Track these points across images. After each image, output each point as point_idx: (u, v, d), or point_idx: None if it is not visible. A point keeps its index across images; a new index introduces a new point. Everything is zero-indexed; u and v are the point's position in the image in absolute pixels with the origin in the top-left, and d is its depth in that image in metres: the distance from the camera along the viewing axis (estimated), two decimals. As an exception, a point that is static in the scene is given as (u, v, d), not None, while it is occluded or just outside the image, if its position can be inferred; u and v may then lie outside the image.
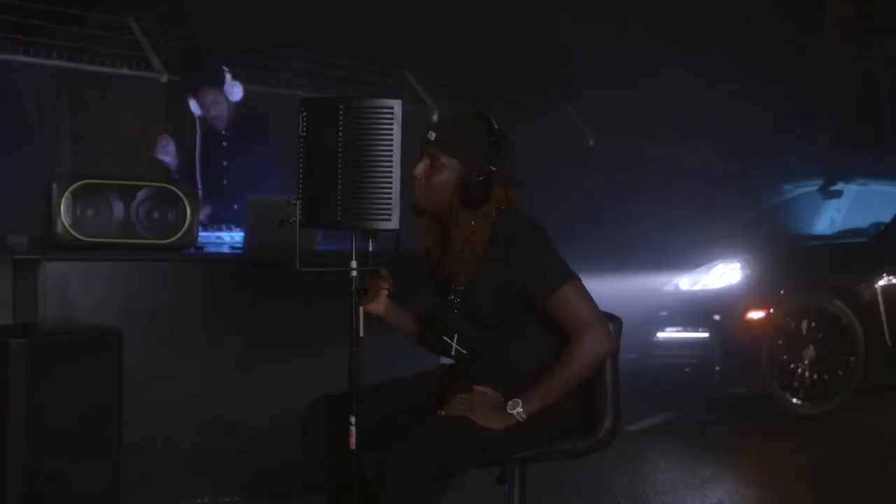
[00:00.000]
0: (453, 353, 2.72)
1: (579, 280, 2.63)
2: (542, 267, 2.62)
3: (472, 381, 2.67)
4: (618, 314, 2.88)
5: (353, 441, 2.49)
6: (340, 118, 2.41)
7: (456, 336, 2.70)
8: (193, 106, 5.32)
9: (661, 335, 5.77)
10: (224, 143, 5.32)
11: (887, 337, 5.84)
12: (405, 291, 2.68)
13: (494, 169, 2.64)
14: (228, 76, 5.31)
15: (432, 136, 2.68)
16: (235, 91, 5.34)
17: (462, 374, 2.72)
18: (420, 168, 2.68)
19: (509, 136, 2.70)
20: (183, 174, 5.25)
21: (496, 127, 2.68)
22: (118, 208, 3.72)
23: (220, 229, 4.70)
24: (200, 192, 5.16)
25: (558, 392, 2.60)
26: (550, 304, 2.60)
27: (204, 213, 5.04)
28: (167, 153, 5.21)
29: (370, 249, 2.53)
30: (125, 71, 6.56)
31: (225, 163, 5.33)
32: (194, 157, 5.34)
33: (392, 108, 2.41)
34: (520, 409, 2.57)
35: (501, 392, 2.64)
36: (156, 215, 3.76)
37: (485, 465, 2.68)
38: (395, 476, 2.41)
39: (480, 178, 2.62)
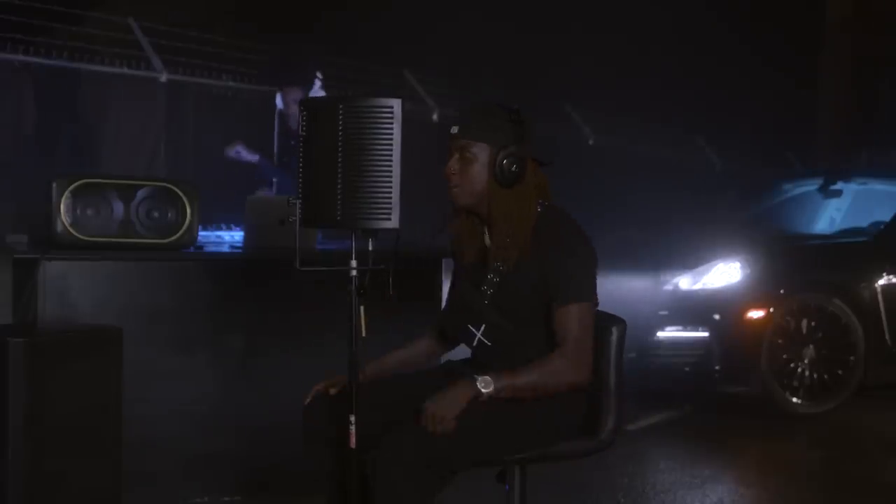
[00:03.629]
0: (475, 343, 2.71)
1: (595, 305, 2.67)
2: (575, 274, 2.64)
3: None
4: (618, 314, 2.88)
5: (353, 441, 2.49)
6: (340, 117, 2.41)
7: (483, 327, 2.70)
8: (278, 100, 5.51)
9: (661, 335, 5.76)
10: (292, 143, 5.41)
11: (887, 336, 5.83)
12: (406, 291, 2.67)
13: (522, 146, 2.66)
14: (318, 84, 5.42)
15: (455, 129, 2.68)
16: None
17: (476, 368, 2.72)
18: (452, 164, 2.68)
19: (529, 117, 2.72)
20: (264, 168, 5.44)
21: (513, 108, 2.71)
22: (118, 208, 3.72)
23: (219, 228, 4.70)
24: (275, 186, 5.31)
25: (518, 391, 2.56)
26: (559, 310, 2.61)
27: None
28: (239, 156, 5.43)
29: (370, 249, 2.52)
30: (125, 71, 6.57)
31: (285, 159, 5.47)
32: (272, 152, 5.52)
33: (392, 107, 2.41)
34: (489, 389, 2.52)
35: None
36: (155, 215, 3.76)
37: (484, 465, 2.68)
38: (390, 471, 2.41)
39: (512, 156, 2.63)
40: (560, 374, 2.59)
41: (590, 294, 2.66)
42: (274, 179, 5.33)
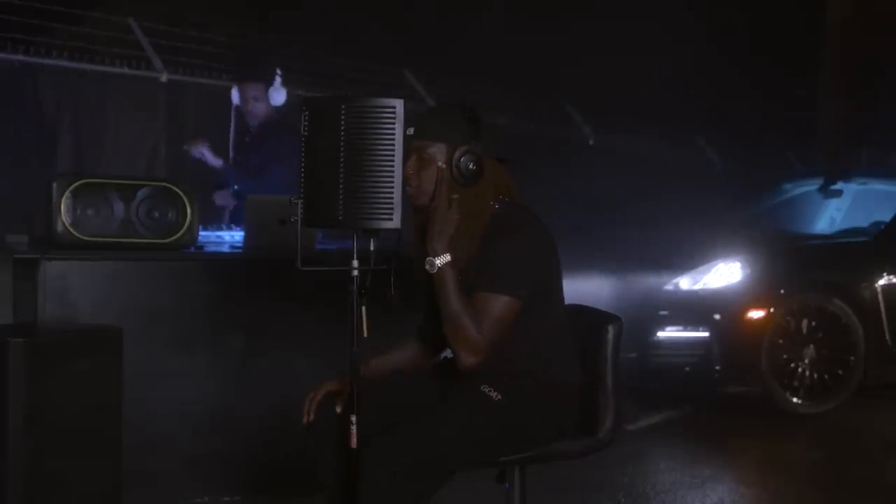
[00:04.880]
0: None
1: (513, 300, 2.60)
2: (498, 265, 2.61)
3: (471, 374, 2.66)
4: (618, 314, 2.88)
5: (353, 441, 2.49)
6: (342, 117, 2.41)
7: None
8: (234, 96, 5.30)
9: (661, 335, 5.76)
10: (247, 139, 5.31)
11: (887, 336, 5.83)
12: (408, 291, 2.67)
13: (479, 145, 2.65)
14: (278, 80, 5.28)
15: (411, 130, 2.66)
16: (279, 96, 5.27)
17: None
18: (410, 165, 2.67)
19: (482, 118, 2.72)
20: (227, 174, 5.31)
21: (468, 107, 2.70)
22: (118, 207, 3.72)
23: (220, 228, 4.70)
24: (236, 186, 5.23)
25: (444, 298, 2.58)
26: (473, 297, 2.60)
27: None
28: (203, 157, 5.26)
29: (371, 249, 2.52)
30: (125, 71, 6.56)
31: (240, 157, 5.33)
32: (228, 147, 5.36)
33: (394, 107, 2.41)
34: (436, 263, 2.57)
35: (498, 387, 2.65)
36: (156, 214, 3.76)
37: (482, 465, 2.68)
38: (376, 472, 2.41)
39: (469, 153, 2.62)
40: (464, 339, 2.57)
41: (507, 287, 2.60)
42: (235, 186, 5.21)
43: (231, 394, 3.86)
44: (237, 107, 5.31)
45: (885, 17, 10.88)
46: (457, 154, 2.62)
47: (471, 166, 2.62)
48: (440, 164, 2.63)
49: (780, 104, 10.61)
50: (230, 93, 5.36)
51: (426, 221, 2.64)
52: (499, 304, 2.59)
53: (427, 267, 2.59)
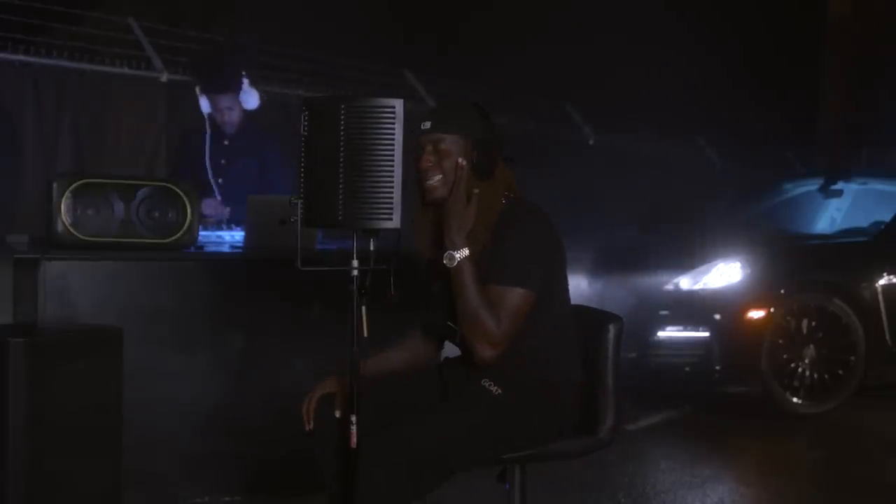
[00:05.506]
0: (458, 338, 2.72)
1: (528, 292, 2.63)
2: (510, 258, 2.64)
3: (475, 368, 2.66)
4: (618, 314, 2.88)
5: (353, 440, 2.49)
6: (342, 117, 2.41)
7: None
8: (204, 105, 5.17)
9: (661, 335, 5.76)
10: (226, 143, 5.25)
11: (887, 336, 5.84)
12: (408, 291, 2.67)
13: (493, 138, 2.69)
14: (246, 82, 5.18)
15: (427, 124, 2.69)
16: (251, 99, 5.18)
17: (464, 364, 2.72)
18: (427, 157, 2.69)
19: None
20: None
21: (479, 104, 2.74)
22: (118, 207, 3.72)
23: (220, 228, 4.69)
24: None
25: (462, 292, 2.60)
26: (487, 290, 2.61)
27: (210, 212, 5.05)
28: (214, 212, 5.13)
29: (371, 248, 2.52)
30: (125, 71, 6.56)
31: (223, 161, 5.26)
32: (203, 156, 5.27)
33: (394, 107, 2.41)
34: (456, 256, 2.59)
35: (498, 382, 2.64)
36: (156, 214, 3.76)
37: (482, 465, 2.68)
38: (372, 472, 2.42)
39: (487, 144, 2.66)
40: (482, 333, 2.59)
41: (521, 280, 2.62)
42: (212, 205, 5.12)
43: (231, 394, 3.86)
44: (210, 115, 5.18)
45: (885, 17, 10.89)
46: (476, 147, 2.65)
47: (488, 159, 2.66)
48: (459, 159, 2.65)
49: (780, 104, 10.61)
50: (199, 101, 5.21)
51: (442, 216, 2.65)
52: (514, 297, 2.61)
53: (446, 261, 2.60)
